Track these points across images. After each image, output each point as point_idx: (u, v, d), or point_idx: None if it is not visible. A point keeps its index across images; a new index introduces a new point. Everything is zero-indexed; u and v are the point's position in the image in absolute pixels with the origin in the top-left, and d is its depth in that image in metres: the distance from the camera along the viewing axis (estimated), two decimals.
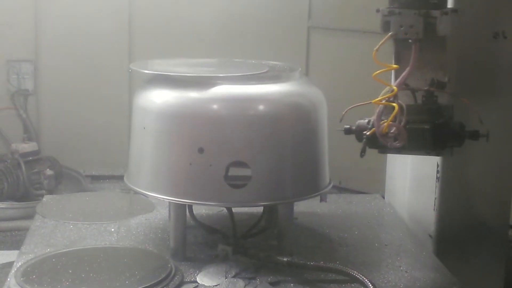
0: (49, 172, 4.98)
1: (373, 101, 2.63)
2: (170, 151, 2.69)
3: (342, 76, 5.11)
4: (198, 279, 2.60)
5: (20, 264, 2.68)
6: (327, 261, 2.72)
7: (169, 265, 2.64)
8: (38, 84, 5.32)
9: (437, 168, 3.09)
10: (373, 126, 2.61)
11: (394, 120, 2.54)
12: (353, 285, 2.56)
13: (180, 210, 2.75)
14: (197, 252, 2.83)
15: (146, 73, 2.84)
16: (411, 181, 3.42)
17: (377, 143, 2.64)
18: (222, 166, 2.62)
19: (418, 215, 3.31)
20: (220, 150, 2.63)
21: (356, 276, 2.52)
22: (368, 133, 2.63)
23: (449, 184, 3.11)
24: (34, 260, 2.70)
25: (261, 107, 2.68)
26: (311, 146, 2.79)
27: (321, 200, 2.95)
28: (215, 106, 2.65)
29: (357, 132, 2.72)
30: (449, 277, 2.74)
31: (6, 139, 5.24)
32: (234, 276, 2.62)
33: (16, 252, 2.90)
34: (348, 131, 2.75)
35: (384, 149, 2.68)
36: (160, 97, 2.73)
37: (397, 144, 2.56)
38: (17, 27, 5.22)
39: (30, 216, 3.87)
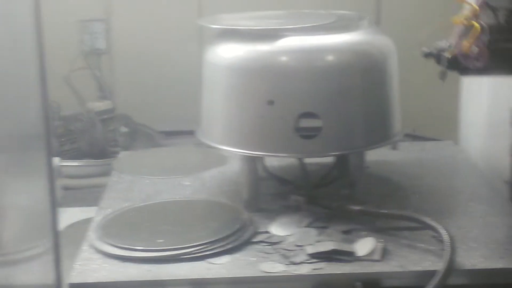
0: (123, 129, 5.07)
1: (453, 20, 2.58)
2: (240, 104, 2.74)
3: (415, 22, 5.05)
4: (271, 230, 2.66)
5: (99, 218, 2.79)
6: (400, 209, 2.76)
7: (243, 216, 2.71)
8: (111, 43, 5.36)
9: (511, 112, 3.05)
10: (453, 47, 2.57)
11: (475, 40, 2.49)
12: (425, 231, 2.58)
13: (252, 162, 2.81)
14: (270, 203, 2.89)
15: (214, 28, 2.88)
16: (485, 127, 3.43)
17: (458, 65, 2.59)
18: (293, 118, 2.66)
19: (493, 161, 3.30)
20: (290, 102, 2.67)
21: (429, 223, 2.54)
22: (448, 54, 2.59)
23: None
24: (112, 214, 2.81)
25: (329, 57, 2.70)
26: (381, 95, 2.81)
27: (392, 148, 2.97)
28: (283, 58, 2.68)
29: (436, 55, 2.68)
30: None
31: (82, 98, 5.31)
32: (307, 226, 2.67)
33: (95, 208, 3.00)
34: (427, 55, 2.71)
35: (465, 71, 2.61)
36: (228, 52, 2.78)
37: (479, 64, 2.52)
38: None
39: (107, 173, 3.93)
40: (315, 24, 2.79)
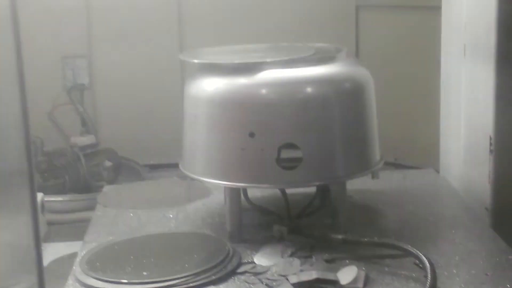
0: (108, 163, 5.08)
1: None
2: (222, 137, 2.77)
3: (393, 54, 5.11)
4: (255, 260, 2.68)
5: (84, 252, 2.79)
6: (382, 237, 2.78)
7: (227, 248, 2.72)
8: (93, 78, 5.40)
9: (490, 140, 3.09)
10: None
11: None
12: (408, 259, 2.59)
13: (235, 193, 2.84)
14: (254, 233, 2.90)
15: (195, 62, 2.92)
16: (465, 155, 3.43)
17: None
18: (274, 149, 2.69)
19: (473, 188, 3.31)
20: (270, 134, 2.70)
21: (410, 250, 2.56)
22: None
23: (503, 156, 3.10)
24: (97, 248, 2.82)
25: (308, 89, 2.74)
26: (360, 125, 2.86)
27: (373, 177, 2.99)
28: (263, 91, 2.72)
29: None
30: (504, 247, 2.75)
31: (65, 133, 5.33)
32: (290, 256, 2.69)
33: (80, 243, 2.99)
34: None
35: None
36: (210, 85, 2.81)
37: None
38: (69, 24, 5.30)
39: (91, 207, 3.91)
40: (294, 57, 2.83)
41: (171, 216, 3.18)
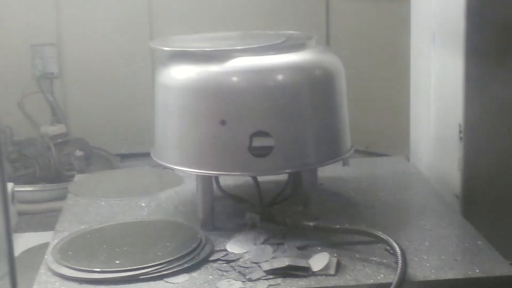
0: (78, 153, 5.04)
1: None
2: (193, 125, 2.77)
3: (363, 42, 5.13)
4: (227, 247, 2.69)
5: (56, 242, 2.78)
6: (353, 224, 2.81)
7: (199, 236, 2.73)
8: (63, 67, 5.36)
9: (460, 128, 3.13)
10: None
11: None
12: (378, 245, 2.64)
13: (207, 182, 2.84)
14: (226, 221, 2.92)
15: (166, 50, 2.92)
16: (435, 142, 3.48)
17: None
18: (245, 137, 2.70)
19: (443, 175, 3.35)
20: (242, 122, 2.71)
21: (381, 236, 2.59)
22: None
23: (472, 144, 3.14)
24: (69, 237, 2.81)
25: (279, 77, 2.75)
26: (331, 113, 2.87)
27: (343, 165, 3.01)
28: (234, 79, 2.73)
29: None
30: (474, 233, 2.79)
31: (35, 122, 5.29)
32: (262, 243, 2.70)
33: (50, 233, 2.97)
34: None
35: None
36: (180, 73, 2.81)
37: None
38: (38, 12, 5.26)
39: (62, 197, 3.88)
40: (264, 45, 2.84)
41: (143, 204, 3.17)
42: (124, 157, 5.35)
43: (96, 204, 3.21)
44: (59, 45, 5.37)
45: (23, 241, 4.03)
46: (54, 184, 4.98)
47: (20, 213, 4.61)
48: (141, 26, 5.32)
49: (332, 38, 5.30)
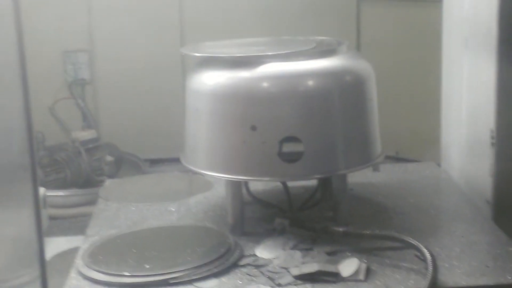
0: (109, 158, 5.08)
1: None
2: (223, 130, 2.78)
3: (394, 47, 5.12)
4: (257, 253, 2.70)
5: (86, 246, 2.81)
6: (383, 230, 2.80)
7: (229, 241, 2.74)
8: (94, 73, 5.40)
9: (492, 134, 3.11)
10: None
11: None
12: (408, 251, 2.62)
13: (236, 187, 2.85)
14: (255, 226, 2.92)
15: (197, 56, 2.93)
16: (466, 148, 3.45)
17: None
18: (275, 142, 2.71)
19: (474, 181, 3.33)
20: (272, 127, 2.72)
21: (411, 242, 2.59)
22: None
23: (504, 150, 3.11)
24: (99, 242, 2.83)
25: (309, 82, 2.75)
26: (361, 118, 2.87)
27: (374, 170, 3.01)
28: (265, 84, 2.74)
29: None
30: (505, 239, 2.77)
31: (66, 128, 5.33)
32: (292, 248, 2.71)
33: (81, 237, 3.00)
34: None
35: None
36: (211, 79, 2.82)
37: None
38: (71, 19, 5.30)
39: (93, 202, 3.88)
40: (295, 50, 2.84)
41: (173, 209, 3.19)
42: (154, 162, 5.37)
43: (126, 209, 3.23)
44: (91, 51, 5.40)
45: (54, 245, 4.06)
46: (85, 189, 5.00)
47: (52, 218, 4.63)
48: (171, 33, 5.34)
49: (363, 44, 5.28)
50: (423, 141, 4.65)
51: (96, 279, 2.55)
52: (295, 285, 2.49)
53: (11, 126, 2.29)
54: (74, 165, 5.03)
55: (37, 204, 2.40)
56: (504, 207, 3.14)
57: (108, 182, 3.70)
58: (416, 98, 4.91)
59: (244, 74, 2.77)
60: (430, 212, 3.10)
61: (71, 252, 3.02)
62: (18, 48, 2.27)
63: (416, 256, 2.60)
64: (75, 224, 4.69)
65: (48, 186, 4.79)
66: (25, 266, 2.41)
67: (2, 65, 2.26)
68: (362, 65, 2.91)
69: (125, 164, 5.19)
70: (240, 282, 2.52)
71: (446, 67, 3.74)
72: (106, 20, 5.34)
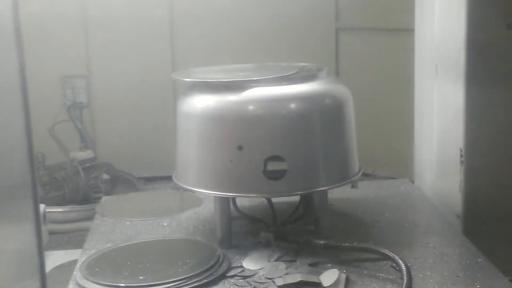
0: (105, 176, 5.02)
1: None
2: (212, 150, 2.77)
3: (370, 72, 5.13)
4: (244, 264, 2.68)
5: (84, 259, 2.78)
6: (361, 242, 2.79)
7: (217, 253, 2.73)
8: (91, 97, 5.39)
9: (461, 152, 3.11)
10: None
11: None
12: (385, 262, 2.63)
13: (224, 203, 2.84)
14: (242, 240, 2.91)
15: (187, 81, 2.93)
16: (438, 166, 3.45)
17: None
18: (260, 161, 2.70)
19: (446, 196, 3.32)
20: (257, 147, 2.71)
21: (387, 254, 2.59)
22: None
23: (472, 167, 3.11)
24: (96, 255, 2.81)
25: (292, 105, 2.75)
26: (340, 139, 2.86)
27: (352, 187, 3.00)
28: (250, 107, 2.73)
29: None
30: (475, 251, 2.77)
31: (65, 148, 5.31)
32: (276, 260, 2.69)
33: (79, 251, 2.97)
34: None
35: None
36: (200, 102, 2.81)
37: None
38: (69, 46, 5.29)
39: (90, 218, 3.88)
40: (278, 76, 2.84)
41: (165, 224, 3.17)
42: (148, 180, 5.35)
43: (121, 224, 3.21)
44: (89, 76, 5.39)
45: (54, 259, 4.03)
46: (82, 206, 4.98)
47: (51, 233, 4.59)
48: (164, 59, 5.33)
49: (341, 69, 5.30)
50: (397, 160, 4.65)
51: None
52: None
53: (13, 147, 2.31)
54: (73, 183, 5.01)
55: (38, 219, 2.43)
56: (473, 220, 3.14)
57: (104, 199, 3.68)
58: (391, 120, 4.93)
59: (231, 98, 2.76)
60: (405, 225, 3.09)
61: (70, 265, 3.01)
62: (20, 74, 2.30)
63: (392, 267, 2.59)
64: (74, 238, 4.66)
65: (48, 202, 4.77)
66: (26, 278, 2.42)
67: (4, 90, 2.27)
68: (340, 89, 2.91)
69: (121, 182, 5.17)
70: None
71: (418, 92, 3.74)
72: (102, 47, 5.34)
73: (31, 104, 2.35)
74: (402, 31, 3.92)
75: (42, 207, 3.92)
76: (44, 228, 4.06)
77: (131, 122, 5.35)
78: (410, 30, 3.72)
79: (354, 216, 3.20)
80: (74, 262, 2.83)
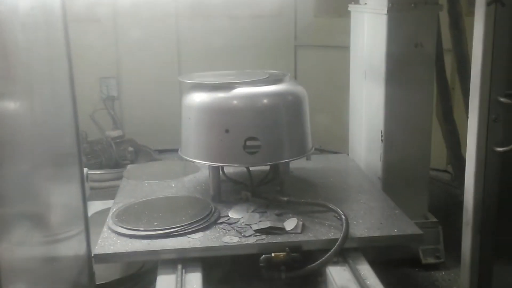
0: (130, 149, 4.95)
1: None
2: (207, 132, 2.70)
3: (320, 76, 5.07)
4: (229, 214, 2.63)
5: (114, 210, 2.72)
6: (313, 199, 2.74)
7: (210, 206, 2.66)
8: (120, 92, 5.28)
9: (381, 133, 3.08)
10: None
11: None
12: (330, 213, 2.57)
13: (215, 170, 2.78)
14: (228, 196, 2.84)
15: (189, 82, 2.84)
16: (366, 143, 3.40)
17: None
18: (241, 140, 2.64)
19: (371, 164, 3.28)
20: (239, 130, 2.64)
21: (332, 207, 2.54)
22: None
23: (389, 144, 3.09)
24: (123, 207, 2.74)
25: (264, 100, 2.69)
26: (299, 124, 2.79)
27: (306, 159, 2.94)
28: (235, 102, 2.66)
29: None
30: (393, 205, 2.73)
31: (102, 128, 5.21)
32: (252, 212, 2.65)
33: (111, 201, 2.91)
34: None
35: None
36: (199, 98, 2.73)
37: None
38: (104, 56, 5.19)
39: (119, 178, 3.81)
40: (254, 79, 2.76)
41: (173, 185, 3.09)
42: (161, 151, 5.25)
43: (141, 185, 3.12)
44: (118, 77, 5.29)
45: (94, 207, 3.90)
46: (114, 169, 4.87)
47: (92, 188, 4.50)
48: (172, 66, 5.23)
49: (299, 75, 5.23)
50: (338, 139, 4.59)
51: (121, 233, 2.46)
52: (254, 236, 2.42)
53: (65, 128, 2.25)
54: (107, 153, 4.89)
55: (82, 179, 2.38)
56: (390, 181, 3.11)
57: (129, 166, 3.60)
58: (334, 110, 4.86)
59: (221, 95, 2.68)
60: (343, 187, 3.04)
61: (105, 211, 2.91)
62: (69, 75, 2.23)
63: (335, 217, 2.55)
64: (108, 193, 4.55)
65: (89, 167, 4.64)
66: (74, 222, 2.34)
67: (58, 87, 2.18)
68: (299, 89, 2.83)
69: (142, 153, 5.08)
70: (218, 234, 2.45)
71: (352, 90, 3.68)
72: (128, 58, 5.23)
73: (78, 97, 2.29)
74: (342, 47, 3.84)
75: (85, 170, 3.83)
76: (87, 185, 3.99)
77: (149, 109, 5.24)
78: (347, 47, 3.64)
79: (308, 180, 3.14)
80: (108, 210, 2.78)
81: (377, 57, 3.08)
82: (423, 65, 2.99)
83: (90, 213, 3.64)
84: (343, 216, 2.45)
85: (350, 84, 3.69)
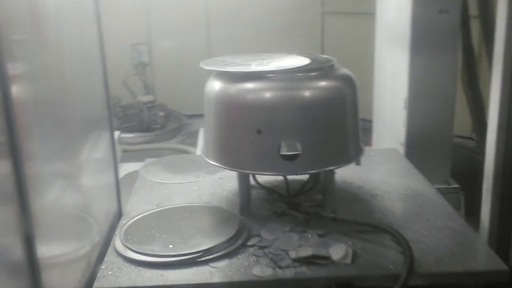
0: (161, 113, 4.25)
1: None
2: (236, 133, 1.63)
3: (347, 45, 3.94)
4: (261, 234, 1.60)
5: (123, 222, 1.68)
6: (362, 212, 1.71)
7: (238, 222, 1.63)
8: (151, 58, 4.46)
9: (405, 101, 2.46)
10: None
11: None
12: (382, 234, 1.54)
13: (245, 178, 1.72)
14: (260, 207, 1.77)
15: (213, 70, 1.70)
16: (390, 110, 2.76)
17: None
18: (276, 144, 1.58)
19: (395, 131, 2.59)
20: (274, 131, 1.58)
21: (388, 230, 1.53)
22: None
23: (412, 111, 2.47)
24: (133, 219, 1.69)
25: (306, 94, 1.59)
26: (349, 123, 1.68)
27: (356, 164, 1.82)
28: (269, 95, 1.58)
29: None
30: (462, 222, 1.66)
31: (134, 93, 4.36)
32: (289, 231, 1.62)
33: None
34: None
35: None
36: (224, 90, 1.64)
37: None
38: (135, 23, 4.23)
39: (150, 141, 3.28)
40: (294, 67, 1.65)
41: (195, 188, 1.96)
42: (190, 116, 4.43)
43: (158, 186, 1.97)
44: (149, 44, 4.36)
45: (125, 168, 3.12)
46: (145, 133, 4.17)
47: (124, 151, 3.89)
48: (201, 29, 4.24)
49: (326, 42, 4.17)
50: (362, 105, 3.55)
51: (127, 257, 1.49)
52: (293, 267, 1.43)
53: (96, 93, 1.84)
54: (139, 118, 4.18)
55: (113, 142, 1.95)
56: (412, 148, 2.48)
57: (147, 160, 2.28)
58: (359, 77, 3.80)
59: (251, 87, 1.59)
60: (399, 196, 1.92)
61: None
62: (99, 41, 1.81)
63: (392, 239, 1.52)
64: (139, 155, 3.82)
65: (122, 130, 4.07)
66: (105, 180, 1.89)
67: (89, 54, 1.76)
68: (347, 80, 1.70)
69: (172, 117, 4.31)
70: (247, 263, 1.45)
71: (377, 57, 2.98)
72: (158, 23, 4.25)
73: (110, 63, 1.86)
74: (369, 14, 2.94)
75: (117, 133, 3.18)
76: (119, 148, 3.28)
77: (178, 75, 4.45)
78: (373, 13, 2.90)
79: (354, 187, 2.00)
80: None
81: (402, 24, 2.44)
82: (448, 32, 2.37)
83: (122, 174, 2.69)
84: (404, 245, 1.44)
85: (375, 51, 2.95)
